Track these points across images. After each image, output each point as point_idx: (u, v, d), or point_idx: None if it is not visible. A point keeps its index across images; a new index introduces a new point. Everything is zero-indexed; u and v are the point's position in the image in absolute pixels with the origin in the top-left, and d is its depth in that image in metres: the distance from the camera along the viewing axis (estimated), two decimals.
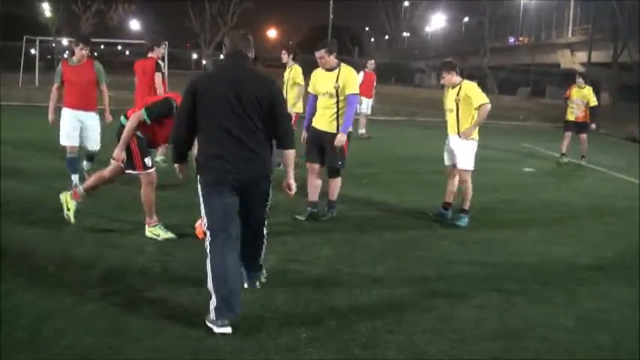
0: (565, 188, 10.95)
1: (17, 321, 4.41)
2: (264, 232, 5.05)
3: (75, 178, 8.14)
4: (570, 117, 13.82)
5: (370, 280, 5.63)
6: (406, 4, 53.13)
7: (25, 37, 30.87)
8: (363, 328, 4.59)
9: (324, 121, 7.26)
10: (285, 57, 10.63)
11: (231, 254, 4.60)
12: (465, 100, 7.60)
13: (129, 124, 6.18)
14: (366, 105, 16.27)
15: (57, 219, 6.76)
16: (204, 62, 37.90)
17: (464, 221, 7.75)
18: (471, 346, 4.42)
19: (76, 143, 8.24)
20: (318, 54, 7.15)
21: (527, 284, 5.75)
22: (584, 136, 13.83)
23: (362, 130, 16.24)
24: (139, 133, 6.27)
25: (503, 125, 22.49)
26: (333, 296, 5.19)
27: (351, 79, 7.15)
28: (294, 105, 10.26)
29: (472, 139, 7.69)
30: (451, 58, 8.64)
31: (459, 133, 7.70)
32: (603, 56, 38.39)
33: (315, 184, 7.52)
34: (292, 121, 8.21)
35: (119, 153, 6.25)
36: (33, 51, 33.86)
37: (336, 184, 7.55)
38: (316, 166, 7.44)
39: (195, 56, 64.20)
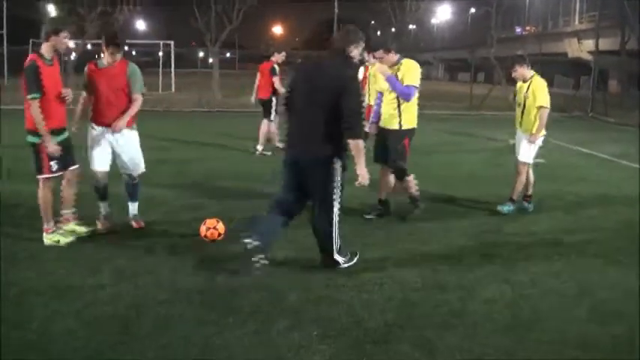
0: (575, 178, 10.87)
1: (28, 323, 4.43)
2: (330, 219, 5.50)
3: (103, 206, 6.81)
4: None
5: (381, 274, 5.61)
6: None
7: (31, 41, 30.96)
8: (374, 324, 4.58)
9: (386, 118, 7.28)
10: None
11: (278, 215, 5.54)
12: (532, 97, 7.64)
13: (35, 112, 5.96)
14: None
15: None
16: (210, 60, 37.84)
17: (507, 209, 7.91)
18: (483, 340, 4.40)
19: (107, 168, 6.77)
20: (377, 54, 7.21)
21: (538, 276, 5.71)
22: None
23: None
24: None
25: (511, 116, 22.28)
26: (343, 292, 5.18)
27: (408, 71, 7.04)
28: None
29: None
30: (522, 52, 8.72)
31: (521, 127, 7.90)
32: (611, 44, 38.15)
33: (383, 182, 7.58)
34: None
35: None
36: None
37: (406, 183, 7.49)
38: (384, 165, 7.49)
39: (201, 54, 64.18)
